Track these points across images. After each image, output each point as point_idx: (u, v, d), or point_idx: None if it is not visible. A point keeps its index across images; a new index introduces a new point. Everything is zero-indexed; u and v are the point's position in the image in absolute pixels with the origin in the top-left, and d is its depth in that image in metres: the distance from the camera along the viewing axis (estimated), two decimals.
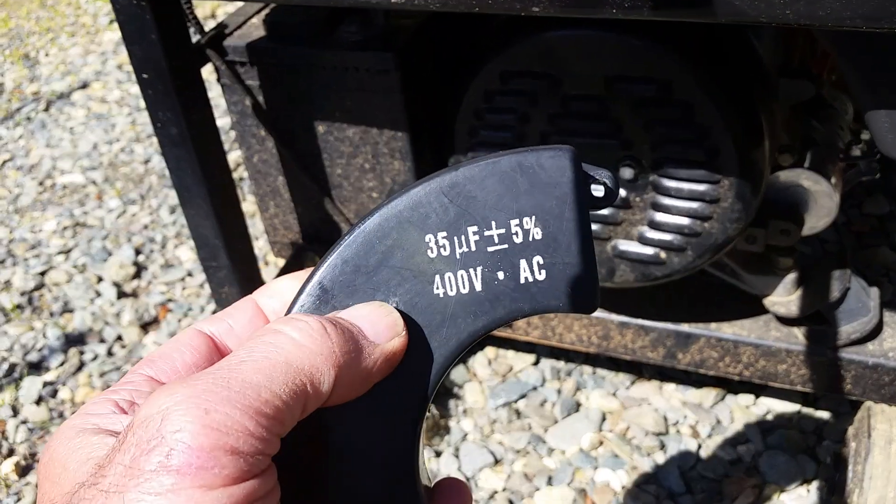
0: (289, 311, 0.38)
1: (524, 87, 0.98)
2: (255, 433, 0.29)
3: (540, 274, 0.38)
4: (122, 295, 1.92)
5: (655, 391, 1.51)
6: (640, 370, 1.53)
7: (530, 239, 0.38)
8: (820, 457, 1.36)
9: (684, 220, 1.01)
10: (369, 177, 1.14)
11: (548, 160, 0.38)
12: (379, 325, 0.36)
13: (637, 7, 0.67)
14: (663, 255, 1.06)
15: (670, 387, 1.51)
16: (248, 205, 2.07)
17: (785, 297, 1.22)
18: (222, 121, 2.30)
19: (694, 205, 0.99)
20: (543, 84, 0.97)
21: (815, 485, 1.33)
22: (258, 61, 1.09)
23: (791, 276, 1.21)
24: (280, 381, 0.31)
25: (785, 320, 1.24)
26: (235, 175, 2.23)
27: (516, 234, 0.38)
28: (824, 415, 1.43)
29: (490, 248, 0.38)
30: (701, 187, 0.98)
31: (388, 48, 1.02)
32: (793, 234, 1.11)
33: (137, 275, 1.99)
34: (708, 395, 1.47)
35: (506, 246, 0.38)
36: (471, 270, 0.38)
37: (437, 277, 0.38)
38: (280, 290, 0.41)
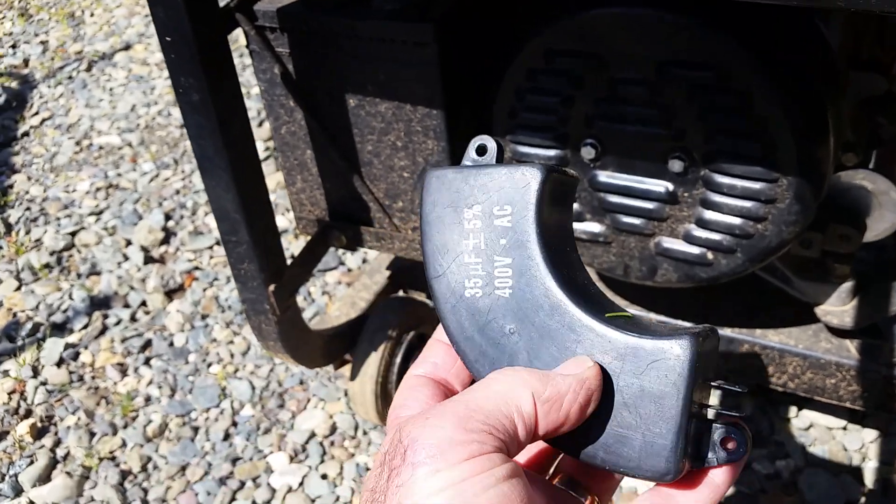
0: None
1: (569, 66, 0.91)
2: (475, 428, 0.38)
3: None
4: (149, 260, 1.90)
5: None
6: None
7: None
8: (865, 479, 1.28)
9: (736, 220, 0.93)
10: (401, 155, 1.08)
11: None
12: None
13: None
14: (710, 255, 0.98)
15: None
16: (279, 177, 2.02)
17: (839, 307, 1.14)
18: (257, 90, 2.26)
19: (748, 204, 0.92)
20: (590, 65, 0.90)
21: None
22: (289, 28, 1.03)
23: (847, 285, 1.12)
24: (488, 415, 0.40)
25: (837, 331, 1.16)
26: (268, 146, 2.18)
27: None
28: (871, 433, 1.34)
29: None
30: (756, 185, 0.90)
31: (425, 19, 0.95)
32: (853, 240, 1.03)
33: (166, 240, 1.96)
34: (747, 401, 1.39)
35: None
36: None
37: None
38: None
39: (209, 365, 1.63)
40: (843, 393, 1.18)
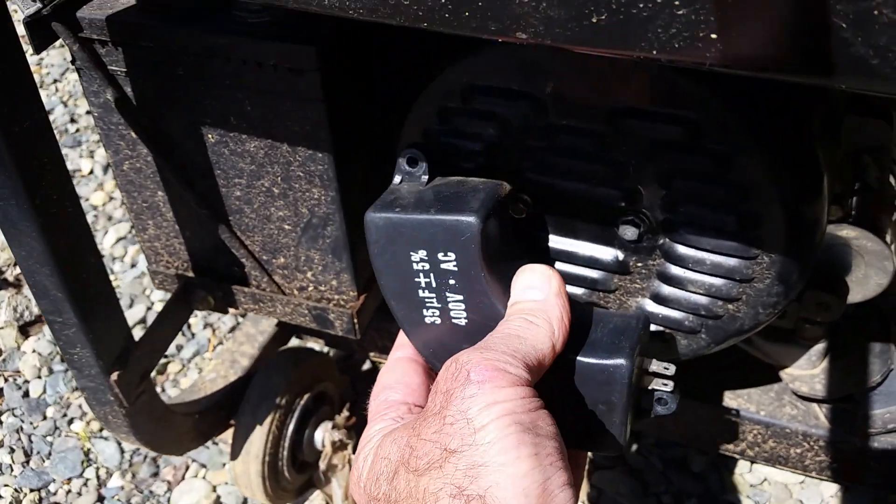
0: None
1: (495, 108, 0.69)
2: (513, 364, 0.48)
3: None
4: (1, 285, 1.61)
5: (632, 447, 1.26)
6: None
7: None
8: None
9: (702, 299, 0.74)
10: (279, 204, 0.84)
11: None
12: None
13: (694, 47, 0.39)
14: (667, 334, 0.79)
15: (649, 440, 1.27)
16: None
17: (808, 371, 0.97)
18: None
19: (717, 282, 0.72)
20: (522, 107, 0.68)
21: None
22: (125, 41, 0.78)
23: (818, 347, 0.95)
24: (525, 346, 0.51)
25: (805, 397, 0.99)
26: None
27: None
28: (830, 487, 1.20)
29: None
30: (731, 262, 0.70)
31: (307, 39, 0.72)
32: (833, 309, 0.85)
33: None
34: (696, 456, 1.23)
35: None
36: None
37: None
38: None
39: (70, 421, 1.37)
40: (809, 464, 1.02)
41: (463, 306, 0.57)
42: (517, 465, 0.43)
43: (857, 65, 0.37)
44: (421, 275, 0.56)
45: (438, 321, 0.58)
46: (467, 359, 0.47)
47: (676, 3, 0.38)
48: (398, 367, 0.59)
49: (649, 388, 0.61)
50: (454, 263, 0.55)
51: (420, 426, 0.47)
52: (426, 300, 0.57)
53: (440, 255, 0.55)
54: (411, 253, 0.56)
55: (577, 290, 0.79)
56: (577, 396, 0.56)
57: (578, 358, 0.55)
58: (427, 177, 0.64)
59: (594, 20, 0.40)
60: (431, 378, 0.58)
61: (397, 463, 0.47)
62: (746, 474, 1.21)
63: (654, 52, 0.40)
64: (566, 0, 0.39)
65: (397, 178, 0.64)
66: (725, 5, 0.37)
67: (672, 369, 0.62)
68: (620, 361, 0.55)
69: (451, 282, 0.56)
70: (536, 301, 0.55)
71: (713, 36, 0.38)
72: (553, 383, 0.53)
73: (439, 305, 0.57)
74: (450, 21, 0.43)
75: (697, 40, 0.39)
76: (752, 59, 0.39)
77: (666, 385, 0.61)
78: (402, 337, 0.62)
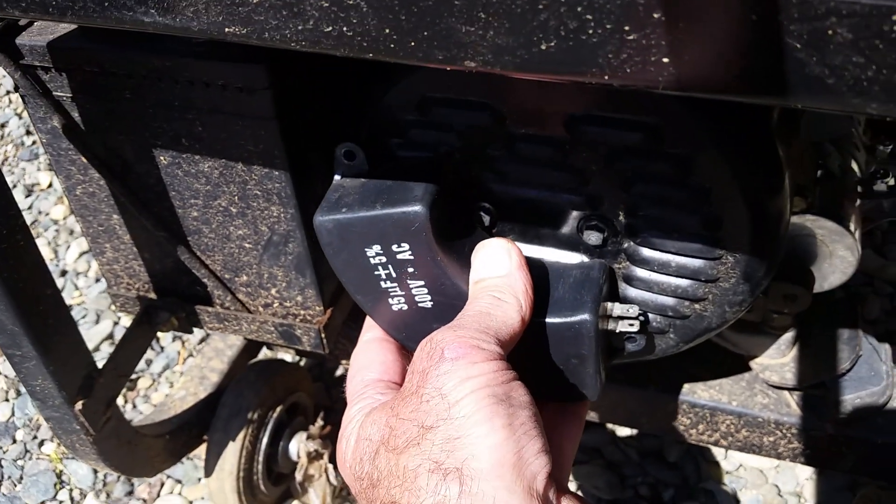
0: None
1: (451, 119, 0.68)
2: (486, 340, 0.49)
3: None
4: None
5: (608, 440, 1.26)
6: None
7: None
8: None
9: (668, 300, 0.74)
10: (238, 223, 0.83)
11: None
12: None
13: (646, 71, 0.38)
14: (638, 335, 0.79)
15: (624, 432, 1.27)
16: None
17: (778, 360, 0.98)
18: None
19: (683, 283, 0.72)
20: (480, 117, 0.67)
21: None
22: (69, 67, 0.75)
23: (787, 336, 0.96)
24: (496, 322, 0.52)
25: (776, 385, 1.00)
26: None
27: None
28: (806, 470, 1.21)
29: None
30: (695, 263, 0.70)
31: (256, 57, 0.70)
32: (800, 299, 0.85)
33: None
34: (672, 445, 1.24)
35: None
36: None
37: None
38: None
39: (41, 443, 1.35)
40: (782, 451, 1.03)
41: (426, 290, 0.58)
42: (492, 437, 0.44)
43: (812, 85, 0.37)
44: (380, 267, 0.57)
45: (405, 307, 0.59)
46: (441, 337, 0.49)
47: (626, 28, 0.37)
48: (371, 348, 0.60)
49: (617, 330, 0.64)
50: (409, 252, 0.56)
51: (398, 406, 0.48)
52: (389, 290, 0.58)
53: (394, 248, 0.56)
54: (366, 249, 0.56)
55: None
56: (550, 354, 0.58)
57: (546, 319, 0.57)
58: (367, 167, 0.63)
59: (543, 47, 0.39)
60: (404, 355, 0.60)
61: (378, 443, 0.48)
62: (722, 461, 1.22)
63: (606, 78, 0.39)
64: (513, 28, 0.38)
65: (338, 174, 0.64)
66: (676, 29, 0.36)
67: (635, 310, 0.64)
68: (584, 317, 0.57)
69: (410, 269, 0.57)
70: (500, 276, 0.56)
71: (665, 60, 0.37)
72: (525, 346, 0.54)
73: (403, 293, 0.58)
74: (395, 51, 0.41)
75: (649, 64, 0.38)
76: (706, 82, 0.38)
77: (632, 325, 0.64)
78: (370, 320, 0.62)
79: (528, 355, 0.55)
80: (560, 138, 0.66)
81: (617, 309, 0.65)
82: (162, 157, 0.79)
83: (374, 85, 0.71)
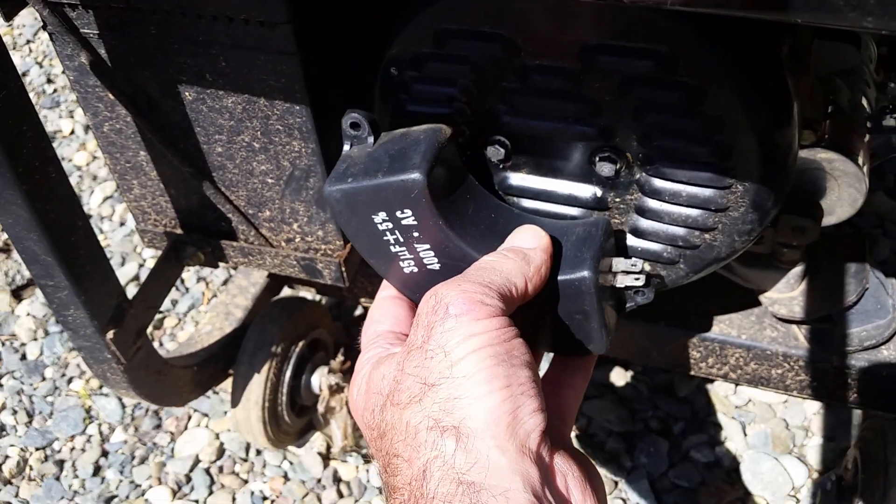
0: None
1: (467, 52, 0.69)
2: (490, 295, 0.51)
3: None
4: None
5: (620, 375, 1.30)
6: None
7: None
8: (810, 459, 1.18)
9: (679, 230, 0.76)
10: (260, 158, 0.85)
11: None
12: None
13: None
14: (647, 266, 0.81)
15: (636, 367, 1.30)
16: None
17: (787, 294, 1.00)
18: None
19: (693, 213, 0.74)
20: (495, 49, 0.69)
21: (804, 494, 1.15)
22: (95, 4, 0.77)
23: (796, 270, 0.98)
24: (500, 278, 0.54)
25: (784, 319, 1.02)
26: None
27: None
28: (814, 405, 1.24)
29: None
30: (706, 192, 0.72)
31: None
32: (808, 231, 0.87)
33: None
34: (682, 380, 1.27)
35: None
36: None
37: None
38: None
39: (69, 380, 1.40)
40: (790, 383, 1.06)
41: (433, 253, 0.60)
42: (490, 398, 0.46)
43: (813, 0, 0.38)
44: (387, 233, 0.60)
45: (416, 269, 0.61)
46: (446, 292, 0.50)
47: None
48: (385, 304, 0.63)
49: (623, 285, 0.66)
50: (412, 218, 0.58)
51: (404, 360, 0.50)
52: (399, 254, 0.61)
53: (398, 214, 0.58)
54: (373, 216, 0.59)
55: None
56: (555, 311, 0.60)
57: None
58: (373, 137, 0.66)
59: None
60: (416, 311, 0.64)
61: (386, 396, 0.50)
62: (731, 396, 1.25)
63: None
64: None
65: (346, 145, 0.66)
66: None
67: (640, 265, 0.67)
68: (584, 274, 0.59)
69: (416, 234, 0.59)
70: (522, 247, 0.59)
71: None
72: (532, 303, 0.57)
73: (412, 256, 0.61)
74: None
75: None
76: None
77: (637, 280, 0.66)
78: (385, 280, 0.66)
79: (536, 312, 0.58)
80: (574, 69, 0.67)
81: (621, 264, 0.67)
82: (187, 93, 0.81)
83: (392, 20, 0.73)
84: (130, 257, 1.57)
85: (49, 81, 2.01)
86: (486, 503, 0.43)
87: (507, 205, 0.69)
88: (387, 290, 0.65)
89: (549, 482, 0.49)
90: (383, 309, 0.62)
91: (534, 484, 0.46)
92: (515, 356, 0.49)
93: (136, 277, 1.53)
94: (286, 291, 1.29)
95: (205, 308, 1.47)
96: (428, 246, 0.60)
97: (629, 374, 1.28)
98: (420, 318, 0.51)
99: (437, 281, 0.60)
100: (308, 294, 1.31)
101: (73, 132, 1.90)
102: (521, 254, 0.57)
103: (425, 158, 0.59)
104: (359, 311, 1.44)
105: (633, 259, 0.68)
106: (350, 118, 0.64)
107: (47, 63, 2.07)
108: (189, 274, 1.53)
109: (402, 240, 0.60)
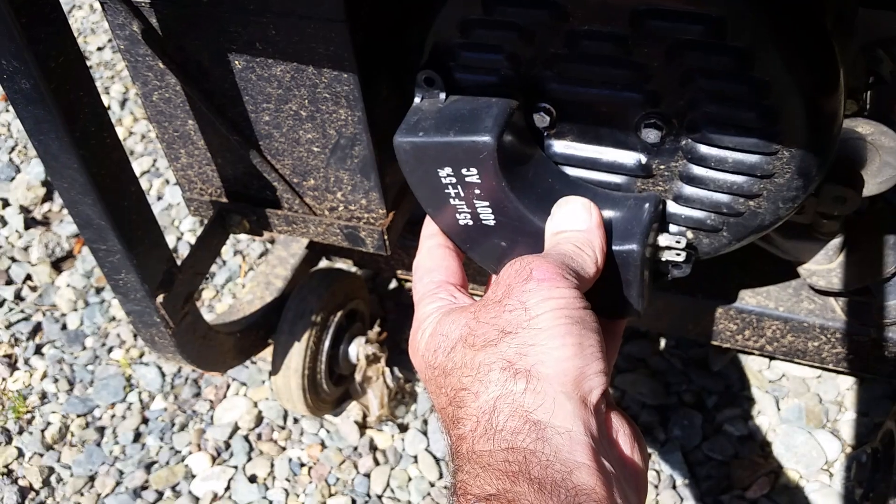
0: None
1: (515, 18, 0.70)
2: (570, 273, 0.55)
3: None
4: (30, 223, 1.64)
5: (653, 349, 1.30)
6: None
7: None
8: (843, 434, 1.19)
9: (724, 197, 0.76)
10: (307, 126, 0.87)
11: None
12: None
13: None
14: (690, 234, 0.82)
15: (670, 342, 1.31)
16: None
17: (825, 265, 1.00)
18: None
19: (739, 179, 0.74)
20: (543, 15, 0.69)
21: (837, 468, 1.15)
22: None
23: (834, 242, 0.98)
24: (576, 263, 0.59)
25: (822, 291, 1.03)
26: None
27: None
28: (847, 380, 1.24)
29: None
30: (752, 159, 0.72)
31: None
32: (849, 202, 0.87)
33: (49, 197, 1.70)
34: (716, 355, 1.27)
35: None
36: None
37: None
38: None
39: (110, 350, 1.43)
40: (826, 356, 1.06)
41: (490, 210, 0.63)
42: (563, 350, 0.50)
43: None
44: (450, 187, 0.63)
45: (471, 223, 0.65)
46: (531, 259, 0.55)
47: None
48: (435, 253, 0.66)
49: (665, 259, 0.70)
50: (477, 176, 0.61)
51: (479, 311, 0.54)
52: (457, 207, 0.64)
53: (463, 171, 0.62)
54: (438, 170, 0.62)
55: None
56: (603, 276, 0.63)
57: None
58: (444, 94, 0.69)
59: None
60: (463, 263, 0.67)
61: (456, 340, 0.54)
62: (765, 371, 1.26)
63: None
64: None
65: (418, 97, 0.70)
66: None
67: (683, 241, 0.70)
68: (632, 247, 0.63)
69: (477, 191, 0.63)
70: (580, 231, 0.63)
71: None
72: None
73: (469, 210, 0.64)
74: None
75: None
76: None
77: (679, 255, 0.70)
78: (430, 226, 0.68)
79: None
80: (623, 34, 0.68)
81: (666, 239, 0.70)
82: (236, 62, 0.83)
83: None
84: (168, 231, 1.60)
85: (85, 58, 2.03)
86: (550, 438, 0.47)
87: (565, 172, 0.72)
88: (433, 239, 0.68)
89: (604, 433, 0.52)
90: (435, 259, 0.65)
91: (592, 430, 0.49)
92: (588, 321, 0.53)
93: (175, 251, 1.56)
94: (323, 263, 1.31)
95: (241, 281, 1.49)
96: (487, 203, 0.63)
97: (661, 347, 1.28)
98: (502, 279, 0.54)
99: (488, 235, 0.63)
100: (345, 266, 1.32)
101: (108, 108, 1.92)
102: (591, 247, 0.61)
103: (497, 123, 0.62)
104: (394, 285, 1.45)
105: (678, 236, 0.71)
106: (425, 74, 0.68)
107: (81, 40, 2.09)
108: (226, 247, 1.55)
109: (462, 194, 0.63)
